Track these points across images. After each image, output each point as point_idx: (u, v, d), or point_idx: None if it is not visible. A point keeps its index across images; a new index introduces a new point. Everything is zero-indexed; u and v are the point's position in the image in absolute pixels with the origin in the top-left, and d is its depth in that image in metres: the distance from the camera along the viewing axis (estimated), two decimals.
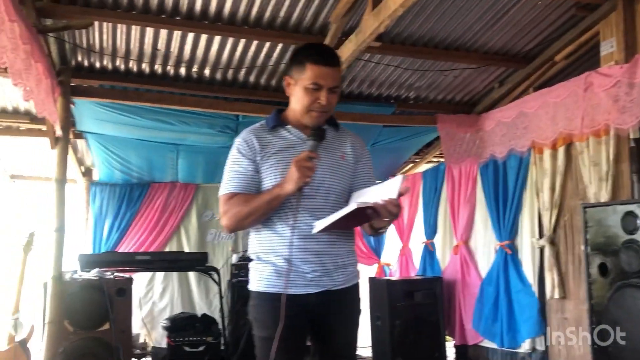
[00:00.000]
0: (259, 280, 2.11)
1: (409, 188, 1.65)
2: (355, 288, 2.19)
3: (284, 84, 2.17)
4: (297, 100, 2.09)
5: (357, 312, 2.23)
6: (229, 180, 2.11)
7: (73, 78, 4.39)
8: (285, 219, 2.04)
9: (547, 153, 4.46)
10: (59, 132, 4.05)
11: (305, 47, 2.20)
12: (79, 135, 5.44)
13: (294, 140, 2.13)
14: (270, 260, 2.07)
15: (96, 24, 3.91)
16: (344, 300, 2.12)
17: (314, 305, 2.06)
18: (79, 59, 4.44)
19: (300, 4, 3.90)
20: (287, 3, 3.87)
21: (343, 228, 2.08)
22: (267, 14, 3.98)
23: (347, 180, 2.16)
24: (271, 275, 2.06)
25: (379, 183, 2.18)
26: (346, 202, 2.10)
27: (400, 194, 1.88)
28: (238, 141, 2.14)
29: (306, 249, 2.03)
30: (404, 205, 1.99)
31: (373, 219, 1.96)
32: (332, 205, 2.06)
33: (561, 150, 4.34)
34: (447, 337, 5.50)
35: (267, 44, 4.34)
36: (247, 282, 5.15)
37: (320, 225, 1.97)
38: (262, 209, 2.02)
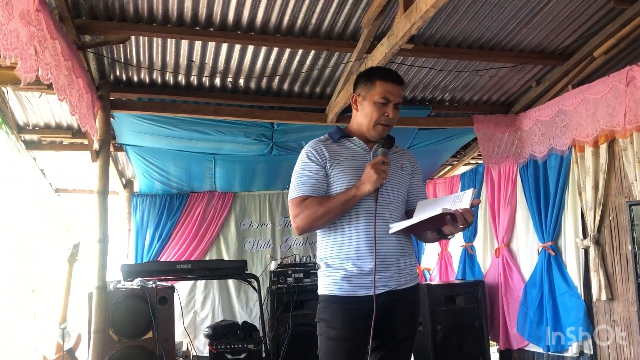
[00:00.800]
0: (328, 285, 2.24)
1: (480, 201, 1.82)
2: (417, 288, 2.33)
3: (350, 101, 2.37)
4: (366, 115, 2.30)
5: (418, 310, 2.36)
6: (299, 184, 2.26)
7: (112, 92, 4.50)
8: (353, 223, 2.20)
9: (588, 151, 4.35)
10: (96, 145, 4.15)
11: (374, 68, 2.50)
12: (120, 147, 5.57)
13: (359, 151, 2.32)
14: (340, 265, 2.21)
15: (133, 38, 4.00)
16: (407, 299, 2.26)
17: (381, 304, 2.16)
18: (117, 73, 4.55)
19: (332, 10, 3.90)
20: (318, 10, 3.88)
21: (414, 231, 2.26)
22: (299, 21, 4.00)
23: (406, 189, 2.36)
24: (340, 280, 2.20)
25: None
26: (404, 210, 2.32)
27: (472, 205, 2.03)
28: (307, 149, 2.30)
29: (373, 250, 2.15)
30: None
31: (446, 225, 2.08)
32: (395, 211, 2.26)
33: (603, 148, 4.22)
34: (491, 342, 5.40)
35: (300, 52, 4.36)
36: (286, 288, 5.22)
37: (397, 226, 2.14)
38: (337, 210, 2.16)
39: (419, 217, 2.09)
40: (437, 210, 1.99)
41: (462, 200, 2.05)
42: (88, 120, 3.39)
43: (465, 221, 2.01)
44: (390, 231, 2.15)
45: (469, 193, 2.06)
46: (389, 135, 2.35)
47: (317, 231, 2.32)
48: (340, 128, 2.40)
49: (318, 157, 2.26)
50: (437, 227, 2.17)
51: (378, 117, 2.26)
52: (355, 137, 2.34)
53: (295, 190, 2.26)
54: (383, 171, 2.11)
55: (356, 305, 2.13)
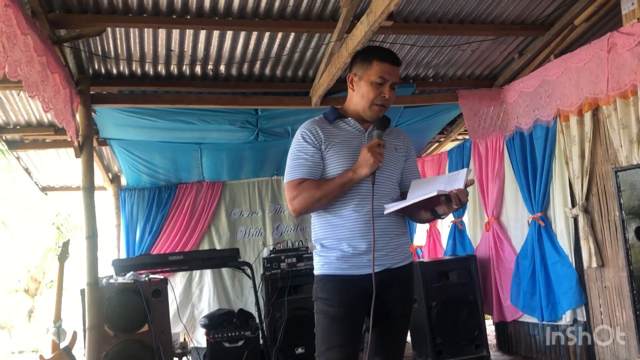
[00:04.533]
0: (324, 264, 2.25)
1: (474, 181, 1.88)
2: (410, 266, 2.35)
3: (347, 82, 2.34)
4: (362, 95, 2.27)
5: (412, 287, 2.38)
6: (296, 167, 2.24)
7: (92, 86, 4.44)
8: (347, 205, 2.20)
9: (573, 120, 4.35)
10: (75, 141, 4.10)
11: (370, 47, 2.47)
12: (104, 142, 5.51)
13: (354, 132, 2.31)
14: (335, 246, 2.22)
15: (109, 30, 3.94)
16: (402, 277, 2.28)
17: (378, 283, 2.15)
18: (96, 66, 4.48)
19: None
20: None
21: (408, 212, 2.27)
22: (277, 4, 3.95)
23: (400, 170, 2.36)
24: (337, 260, 2.21)
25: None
26: (399, 190, 2.33)
27: (466, 185, 2.05)
28: (303, 131, 2.28)
29: (368, 230, 2.15)
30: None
31: (440, 205, 2.12)
32: (390, 192, 2.28)
33: (588, 116, 4.22)
34: (486, 316, 5.44)
35: (280, 35, 4.32)
36: (279, 274, 5.21)
37: (392, 207, 2.15)
38: (335, 193, 2.17)
39: (413, 198, 2.11)
40: (433, 192, 2.01)
41: (456, 180, 2.06)
42: (65, 116, 3.34)
43: (459, 202, 2.04)
44: (385, 212, 2.16)
45: (463, 173, 2.07)
46: (385, 116, 2.33)
47: (311, 213, 2.32)
48: (336, 108, 2.37)
49: (313, 139, 2.24)
50: (431, 207, 2.19)
51: (374, 97, 2.24)
52: (350, 118, 2.32)
53: (291, 172, 2.24)
54: (380, 154, 2.11)
55: (353, 284, 2.15)
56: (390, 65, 2.25)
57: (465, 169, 2.09)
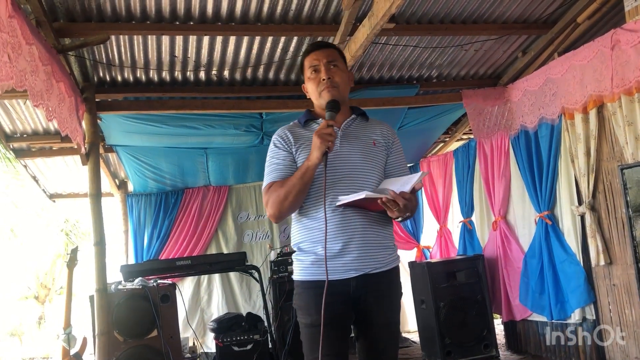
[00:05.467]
0: (301, 270, 2.19)
1: (422, 185, 1.90)
2: (394, 271, 2.22)
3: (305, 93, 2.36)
4: (311, 93, 2.29)
5: (396, 294, 2.25)
6: (268, 173, 2.23)
7: (97, 94, 4.48)
8: (318, 205, 2.12)
9: (578, 118, 4.34)
10: (82, 149, 4.13)
11: None
12: (110, 149, 5.54)
13: None
14: (311, 249, 2.15)
15: (113, 38, 3.97)
16: (382, 283, 2.16)
17: (354, 289, 2.11)
18: (101, 74, 4.52)
19: None
20: None
21: (366, 209, 2.13)
22: (279, 8, 3.96)
23: (379, 165, 2.25)
24: (311, 264, 2.14)
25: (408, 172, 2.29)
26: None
27: (414, 190, 1.99)
28: (274, 137, 2.29)
29: (342, 230, 2.10)
30: (417, 202, 2.12)
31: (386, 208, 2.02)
32: (364, 188, 2.12)
33: (593, 113, 4.21)
34: (495, 315, 5.42)
35: (283, 39, 4.33)
36: (287, 277, 5.21)
37: (345, 199, 2.04)
38: (297, 186, 2.10)
39: (353, 196, 2.01)
40: (362, 194, 1.96)
41: (407, 184, 2.00)
42: (69, 124, 3.36)
43: (397, 206, 1.97)
44: (337, 203, 2.07)
45: (415, 177, 2.00)
46: (359, 109, 2.35)
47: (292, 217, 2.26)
48: (310, 111, 2.35)
49: (283, 143, 2.23)
50: (381, 209, 2.06)
51: (316, 86, 2.24)
52: (320, 119, 2.27)
53: (265, 180, 2.24)
54: (328, 134, 2.03)
55: (329, 290, 1.99)
56: (314, 53, 2.27)
57: (420, 173, 2.04)
